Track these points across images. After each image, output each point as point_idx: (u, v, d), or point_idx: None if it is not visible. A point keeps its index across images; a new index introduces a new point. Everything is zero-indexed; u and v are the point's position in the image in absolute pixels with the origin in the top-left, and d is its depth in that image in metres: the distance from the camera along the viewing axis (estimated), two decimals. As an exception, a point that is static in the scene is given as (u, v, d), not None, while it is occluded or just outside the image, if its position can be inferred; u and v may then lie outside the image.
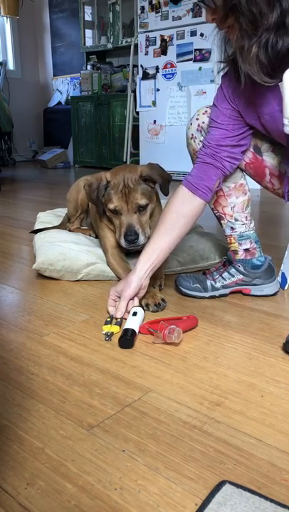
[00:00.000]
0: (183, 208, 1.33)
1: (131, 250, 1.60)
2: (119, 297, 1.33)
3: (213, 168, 1.32)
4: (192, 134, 1.43)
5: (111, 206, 1.53)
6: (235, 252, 1.48)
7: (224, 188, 1.43)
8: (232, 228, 1.47)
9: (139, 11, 4.17)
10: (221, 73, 1.30)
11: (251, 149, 1.38)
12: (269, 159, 1.38)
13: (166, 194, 1.59)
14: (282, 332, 1.24)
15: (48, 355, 1.12)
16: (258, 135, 1.37)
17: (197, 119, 1.41)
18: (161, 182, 1.54)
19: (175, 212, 1.33)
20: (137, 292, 1.33)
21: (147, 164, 1.59)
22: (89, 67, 5.48)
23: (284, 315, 1.36)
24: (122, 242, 1.52)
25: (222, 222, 1.49)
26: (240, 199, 1.44)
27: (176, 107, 4.10)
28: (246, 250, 1.47)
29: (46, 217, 2.37)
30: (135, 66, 4.49)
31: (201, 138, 1.41)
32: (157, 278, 1.52)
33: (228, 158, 1.31)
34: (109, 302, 1.36)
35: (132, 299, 1.32)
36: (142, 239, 1.51)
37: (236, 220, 1.45)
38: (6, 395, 0.96)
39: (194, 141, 1.43)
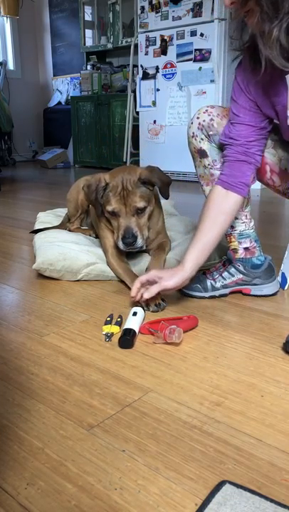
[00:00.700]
0: (221, 205, 1.33)
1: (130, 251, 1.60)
2: (152, 282, 1.30)
3: (247, 165, 1.32)
4: (193, 133, 1.43)
5: (109, 208, 1.53)
6: (235, 250, 1.48)
7: None
8: (232, 227, 1.47)
9: (139, 11, 4.17)
10: (236, 63, 1.30)
11: None
12: (269, 156, 1.38)
13: (166, 197, 1.59)
14: (282, 332, 1.24)
15: (48, 355, 1.12)
16: None
17: (198, 117, 1.41)
18: (161, 185, 1.53)
19: (215, 208, 1.33)
20: (175, 287, 1.30)
21: (147, 167, 1.58)
22: (89, 67, 5.48)
23: (284, 315, 1.36)
24: (120, 244, 1.52)
25: (222, 221, 1.49)
26: None
27: (176, 107, 4.10)
28: (246, 249, 1.48)
29: (46, 217, 2.37)
30: (135, 66, 4.49)
31: (202, 136, 1.41)
32: (157, 278, 1.52)
33: (259, 152, 1.32)
34: (136, 285, 1.32)
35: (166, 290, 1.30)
36: (139, 241, 1.51)
37: (236, 218, 1.46)
38: (6, 395, 0.96)
39: (195, 140, 1.43)
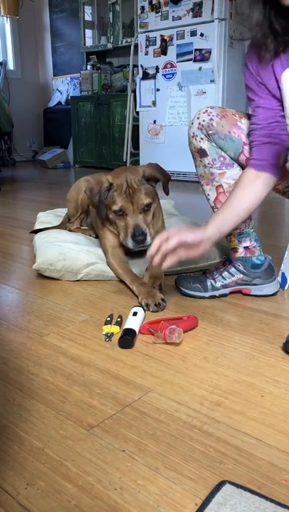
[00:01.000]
0: (252, 185, 1.30)
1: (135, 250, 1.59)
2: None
3: (274, 146, 1.30)
4: (193, 133, 1.43)
5: (116, 207, 1.52)
6: (235, 250, 1.49)
7: (224, 185, 1.43)
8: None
9: (139, 11, 4.17)
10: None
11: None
12: None
13: (167, 193, 1.60)
14: (282, 332, 1.24)
15: (48, 355, 1.12)
16: None
17: (198, 117, 1.42)
18: (164, 180, 1.54)
19: (245, 188, 1.30)
20: (194, 247, 1.25)
21: (147, 164, 1.59)
22: (89, 67, 5.48)
23: (284, 315, 1.36)
24: (130, 243, 1.51)
25: (222, 220, 1.49)
26: None
27: (176, 107, 4.10)
28: (246, 248, 1.48)
29: (46, 217, 2.37)
30: (135, 66, 4.49)
31: (202, 136, 1.41)
32: (157, 278, 1.52)
33: (283, 132, 1.30)
34: (156, 243, 1.24)
35: (182, 249, 1.24)
36: (149, 239, 1.51)
37: None
38: (6, 395, 0.96)
39: (196, 140, 1.43)
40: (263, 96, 1.30)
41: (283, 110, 1.12)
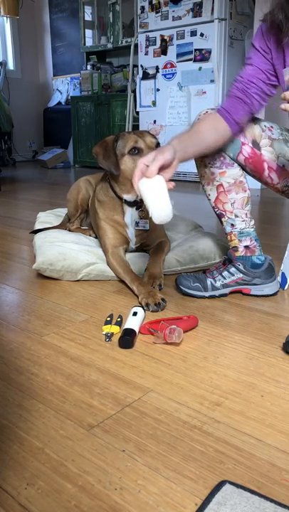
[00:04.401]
0: (215, 123, 1.34)
1: None
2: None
3: (242, 103, 1.33)
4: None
5: (130, 145, 1.51)
6: (236, 249, 1.49)
7: (224, 184, 1.44)
8: (232, 225, 1.48)
9: (139, 11, 4.17)
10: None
11: (250, 144, 1.41)
12: (267, 154, 1.40)
13: None
14: (282, 332, 1.24)
15: (48, 355, 1.12)
16: (257, 131, 1.39)
17: (198, 119, 1.42)
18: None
19: (209, 122, 1.35)
20: (169, 165, 1.19)
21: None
22: (89, 67, 5.48)
23: (284, 315, 1.36)
24: None
25: (223, 220, 1.49)
26: (240, 195, 1.46)
27: (176, 107, 4.10)
28: (246, 247, 1.48)
29: (46, 217, 2.37)
30: (135, 66, 4.49)
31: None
32: (157, 278, 1.52)
33: (257, 96, 1.33)
34: (137, 174, 1.18)
35: (164, 169, 1.18)
36: None
37: (236, 216, 1.46)
38: (6, 395, 0.96)
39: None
40: (261, 58, 1.32)
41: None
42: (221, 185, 1.45)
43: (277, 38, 1.27)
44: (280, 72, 1.30)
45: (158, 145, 1.53)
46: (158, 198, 1.16)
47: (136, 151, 1.52)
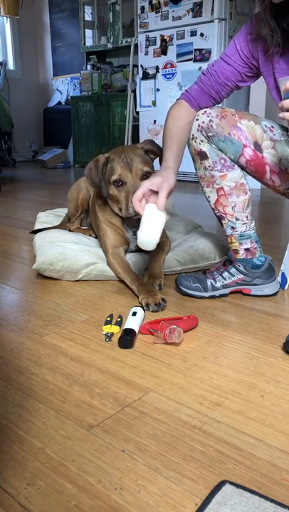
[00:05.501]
0: (188, 117, 1.42)
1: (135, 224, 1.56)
2: (154, 192, 1.30)
3: (210, 98, 1.42)
4: (193, 135, 1.43)
5: (114, 177, 1.51)
6: (236, 251, 1.48)
7: (225, 187, 1.43)
8: (233, 228, 1.47)
9: (139, 11, 4.17)
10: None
11: (252, 146, 1.39)
12: (269, 156, 1.39)
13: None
14: (282, 332, 1.24)
15: (48, 355, 1.12)
16: (258, 132, 1.38)
17: (197, 119, 1.41)
18: (160, 155, 1.55)
19: (184, 120, 1.41)
20: (176, 183, 1.32)
21: (144, 141, 1.62)
22: (89, 67, 5.48)
23: (284, 315, 1.36)
24: (131, 210, 1.46)
25: (223, 222, 1.49)
26: (240, 198, 1.45)
27: (176, 107, 4.10)
28: (247, 250, 1.48)
29: (46, 217, 2.37)
30: (135, 66, 4.49)
31: (202, 138, 1.41)
32: (157, 278, 1.52)
33: (226, 93, 1.43)
34: (136, 197, 1.29)
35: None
36: None
37: (237, 219, 1.46)
38: (6, 395, 0.96)
39: (195, 142, 1.43)
40: (240, 61, 1.36)
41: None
42: (222, 188, 1.43)
43: (264, 47, 1.29)
44: (267, 77, 1.34)
45: (146, 174, 1.50)
46: (153, 231, 1.28)
47: (120, 183, 1.52)
